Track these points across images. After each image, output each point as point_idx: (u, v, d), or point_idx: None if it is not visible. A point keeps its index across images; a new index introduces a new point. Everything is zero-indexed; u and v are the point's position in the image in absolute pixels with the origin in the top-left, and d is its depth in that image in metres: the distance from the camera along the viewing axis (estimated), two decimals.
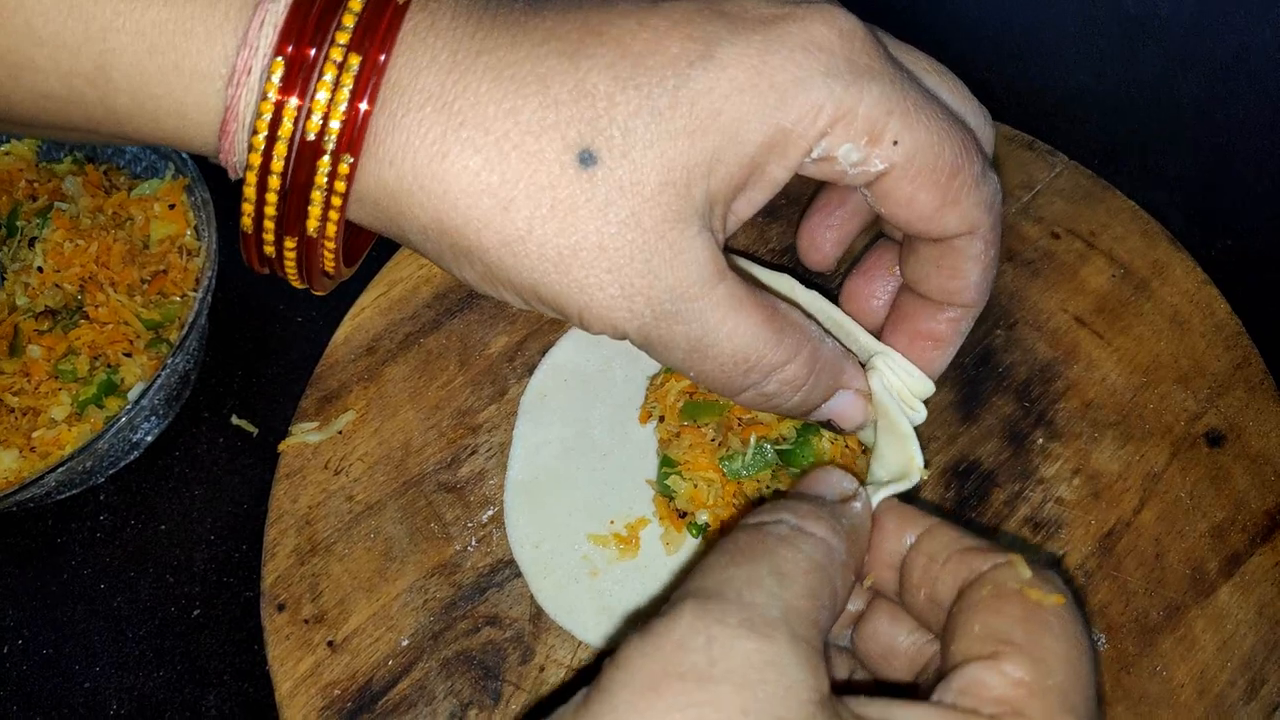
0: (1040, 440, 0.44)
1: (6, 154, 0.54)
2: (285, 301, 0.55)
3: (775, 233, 0.50)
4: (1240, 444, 0.44)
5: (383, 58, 0.27)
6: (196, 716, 0.45)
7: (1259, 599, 0.40)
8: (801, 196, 0.51)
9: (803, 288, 0.37)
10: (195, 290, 0.50)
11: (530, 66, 0.28)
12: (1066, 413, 0.45)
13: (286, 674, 0.40)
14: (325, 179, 0.28)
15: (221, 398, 0.53)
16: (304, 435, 0.45)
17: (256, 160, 0.28)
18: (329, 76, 0.27)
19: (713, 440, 0.40)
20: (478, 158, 0.28)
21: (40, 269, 0.50)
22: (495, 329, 0.48)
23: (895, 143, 0.29)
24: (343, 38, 0.27)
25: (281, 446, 0.45)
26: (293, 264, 0.30)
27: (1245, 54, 0.64)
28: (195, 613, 0.47)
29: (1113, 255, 0.49)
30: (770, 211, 0.51)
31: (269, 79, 0.27)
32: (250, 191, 0.28)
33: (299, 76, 0.27)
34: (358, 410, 0.46)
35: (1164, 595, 0.41)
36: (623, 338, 0.30)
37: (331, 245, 0.30)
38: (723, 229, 0.31)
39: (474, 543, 0.42)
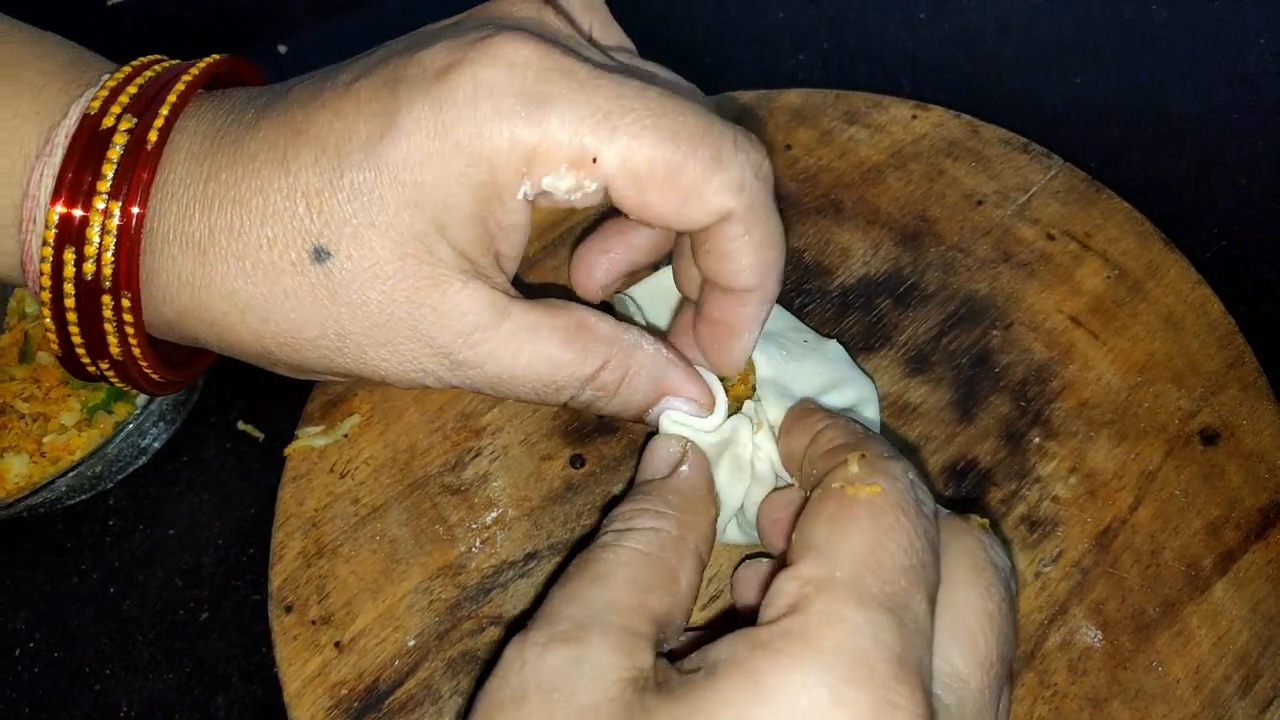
0: (1037, 439, 0.45)
1: None
2: None
3: None
4: (1234, 442, 0.44)
5: (136, 209, 0.30)
6: (206, 718, 0.45)
7: (1253, 595, 0.41)
8: (803, 200, 0.52)
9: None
10: None
11: (248, 182, 0.29)
12: (1062, 412, 0.45)
13: (294, 674, 0.40)
14: (112, 313, 0.31)
15: (228, 403, 0.53)
16: (310, 439, 0.46)
17: (47, 298, 0.30)
18: (96, 225, 0.29)
19: None
20: (226, 281, 0.30)
21: None
22: None
23: (595, 160, 0.29)
24: (103, 186, 0.29)
25: (287, 450, 0.46)
26: (117, 379, 0.33)
27: (1239, 60, 0.65)
28: (204, 615, 0.48)
29: (1107, 256, 0.49)
30: None
31: (47, 227, 0.29)
32: (50, 324, 0.31)
33: (73, 224, 0.29)
34: (362, 414, 0.46)
35: (1160, 592, 0.41)
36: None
37: (145, 364, 0.33)
38: (498, 268, 0.31)
39: (478, 544, 0.43)
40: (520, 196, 0.29)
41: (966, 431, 0.45)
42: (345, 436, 0.46)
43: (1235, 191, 0.59)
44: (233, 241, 0.29)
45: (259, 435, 0.52)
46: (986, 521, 0.31)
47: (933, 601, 0.27)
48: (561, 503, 0.44)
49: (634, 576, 0.29)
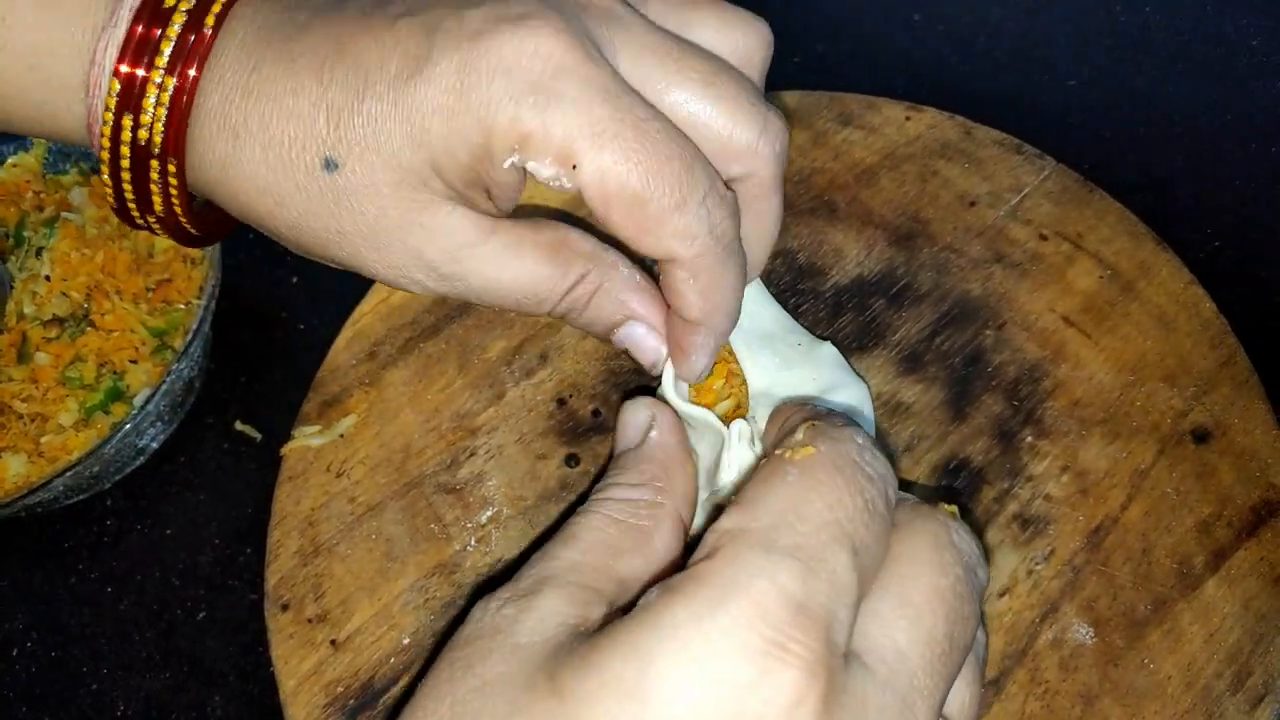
0: (1029, 438, 0.45)
1: (14, 166, 0.55)
2: (287, 309, 0.56)
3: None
4: (1226, 440, 0.44)
5: (187, 83, 0.33)
6: (203, 717, 0.46)
7: (1244, 593, 0.41)
8: (797, 200, 0.52)
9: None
10: (199, 298, 0.51)
11: (285, 82, 0.32)
12: (1055, 411, 0.45)
13: (290, 672, 0.40)
14: (159, 175, 0.34)
15: (225, 404, 0.53)
16: (306, 439, 0.46)
17: (106, 156, 0.34)
18: (152, 95, 0.33)
19: None
20: (251, 165, 0.33)
21: (48, 278, 0.51)
22: (493, 333, 0.48)
23: (574, 167, 0.31)
24: (160, 61, 0.32)
25: (284, 450, 0.46)
26: (161, 230, 0.37)
27: (1232, 62, 0.65)
28: (200, 615, 0.48)
29: (1100, 256, 0.50)
30: None
31: (110, 93, 0.33)
32: (108, 180, 0.35)
33: (132, 91, 0.33)
34: (359, 414, 0.47)
35: (1151, 589, 0.41)
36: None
37: (185, 221, 0.37)
38: (488, 199, 0.34)
39: (473, 543, 0.43)
40: (507, 165, 0.32)
41: (959, 430, 0.45)
42: (341, 436, 0.46)
43: (1228, 192, 0.59)
44: (261, 131, 0.33)
45: (256, 436, 0.52)
46: (955, 509, 0.30)
47: (866, 566, 0.26)
48: (556, 501, 0.44)
49: (602, 540, 0.31)
